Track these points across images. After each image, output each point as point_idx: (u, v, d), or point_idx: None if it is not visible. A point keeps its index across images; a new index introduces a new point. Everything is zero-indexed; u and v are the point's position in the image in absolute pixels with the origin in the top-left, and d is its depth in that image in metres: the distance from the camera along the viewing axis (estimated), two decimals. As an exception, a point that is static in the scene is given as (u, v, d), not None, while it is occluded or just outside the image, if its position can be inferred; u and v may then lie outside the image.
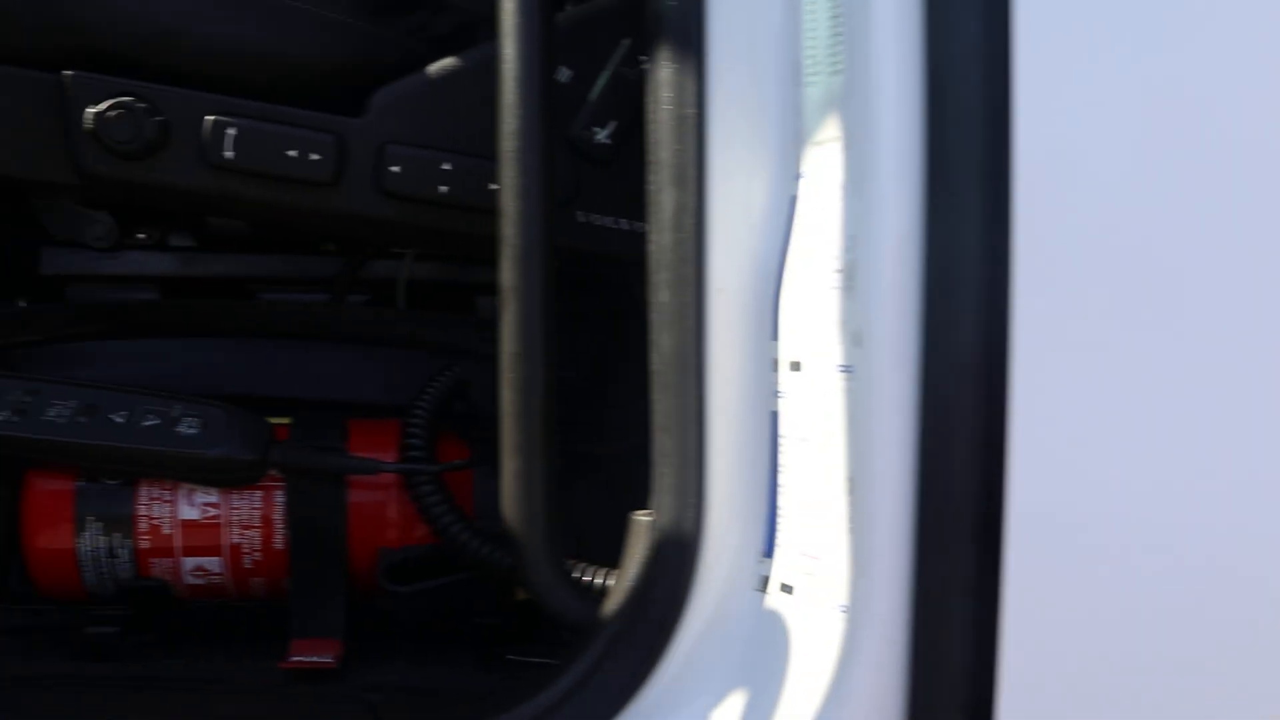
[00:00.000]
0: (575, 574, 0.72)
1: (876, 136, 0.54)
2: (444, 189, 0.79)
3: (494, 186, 0.80)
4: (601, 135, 0.80)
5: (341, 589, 0.78)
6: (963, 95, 0.53)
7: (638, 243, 0.85)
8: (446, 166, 0.79)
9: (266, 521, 0.78)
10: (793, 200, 0.62)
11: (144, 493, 0.77)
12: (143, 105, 0.75)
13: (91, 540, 0.77)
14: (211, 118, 0.76)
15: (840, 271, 0.56)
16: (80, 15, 0.76)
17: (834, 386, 0.57)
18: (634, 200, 0.84)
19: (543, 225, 0.67)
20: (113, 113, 0.74)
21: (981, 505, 0.54)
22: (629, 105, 0.82)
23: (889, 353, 0.54)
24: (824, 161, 0.59)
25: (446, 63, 0.80)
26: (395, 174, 0.78)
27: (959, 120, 0.53)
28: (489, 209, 0.81)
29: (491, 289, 0.98)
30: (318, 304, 0.93)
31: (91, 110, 0.74)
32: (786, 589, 0.61)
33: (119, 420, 0.76)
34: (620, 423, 0.85)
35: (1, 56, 0.77)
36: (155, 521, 0.77)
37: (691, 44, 0.61)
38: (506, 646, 0.83)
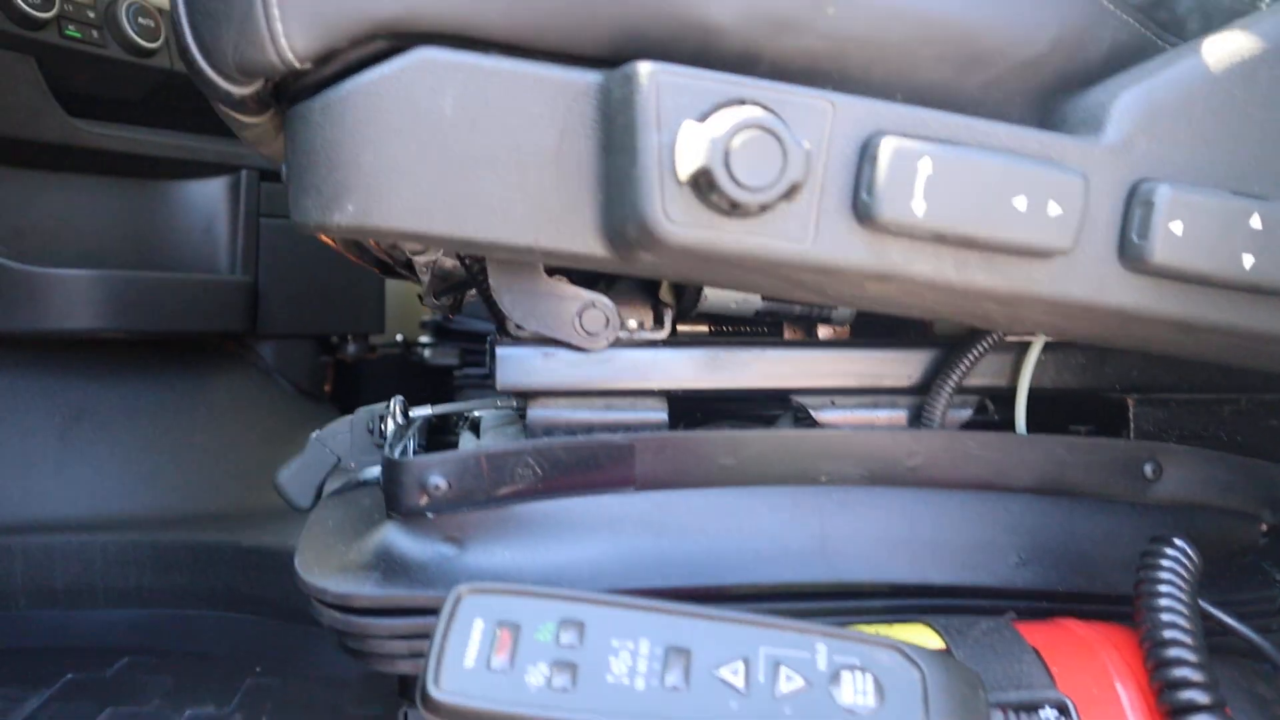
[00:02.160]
0: None
1: None
2: (1250, 260, 0.46)
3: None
4: None
5: None
6: None
7: None
8: (1256, 224, 0.46)
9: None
10: None
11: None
12: (783, 124, 0.42)
13: None
14: (895, 143, 0.43)
15: None
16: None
17: None
18: None
19: None
20: (742, 137, 0.41)
21: None
22: None
23: None
24: None
25: (1231, 47, 0.47)
26: (1173, 237, 0.46)
27: None
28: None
29: (1159, 393, 0.65)
30: (928, 433, 0.59)
31: (706, 133, 0.41)
32: None
33: (735, 682, 0.43)
34: None
35: (513, 47, 0.44)
36: None
37: None
38: None
